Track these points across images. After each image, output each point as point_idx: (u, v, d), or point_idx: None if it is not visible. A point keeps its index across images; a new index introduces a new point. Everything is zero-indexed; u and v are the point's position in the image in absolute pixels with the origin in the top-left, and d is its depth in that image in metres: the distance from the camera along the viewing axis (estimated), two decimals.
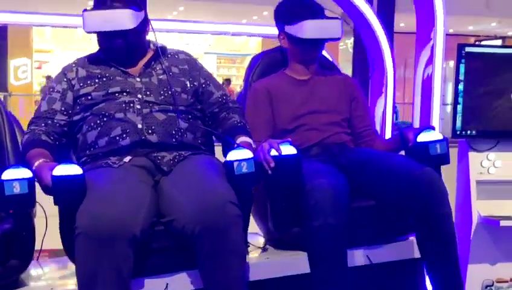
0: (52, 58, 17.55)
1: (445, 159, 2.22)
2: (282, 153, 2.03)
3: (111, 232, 1.72)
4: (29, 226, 1.92)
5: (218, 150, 2.36)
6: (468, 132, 2.76)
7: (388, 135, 2.99)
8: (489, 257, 2.79)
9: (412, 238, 2.35)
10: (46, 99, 2.21)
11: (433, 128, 2.27)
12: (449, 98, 8.30)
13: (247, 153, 1.96)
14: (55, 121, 2.16)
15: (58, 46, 17.50)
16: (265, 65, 2.67)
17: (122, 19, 2.11)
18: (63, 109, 2.18)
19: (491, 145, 2.80)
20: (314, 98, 2.50)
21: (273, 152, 2.04)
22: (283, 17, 2.50)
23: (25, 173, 1.79)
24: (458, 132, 2.75)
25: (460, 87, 2.71)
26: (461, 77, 2.71)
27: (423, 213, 2.13)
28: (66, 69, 2.27)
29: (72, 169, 1.79)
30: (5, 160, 2.11)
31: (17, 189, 1.75)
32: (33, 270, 2.14)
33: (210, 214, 1.80)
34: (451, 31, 14.40)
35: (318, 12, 2.44)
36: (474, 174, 2.79)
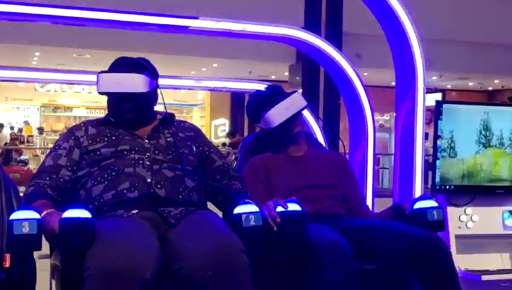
0: None
1: (442, 225, 2.33)
2: (288, 209, 2.07)
3: (123, 273, 1.69)
4: (32, 271, 1.92)
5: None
6: (447, 186, 2.80)
7: (369, 187, 3.00)
8: None
9: None
10: (52, 155, 2.21)
11: (429, 198, 2.37)
12: (392, 149, 8.51)
13: (254, 207, 1.99)
14: (60, 176, 2.15)
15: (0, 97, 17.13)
16: (259, 143, 2.76)
17: (135, 82, 2.18)
18: (68, 164, 2.18)
19: (468, 200, 2.85)
20: (310, 174, 2.57)
21: (279, 208, 2.07)
22: (252, 115, 2.65)
23: (34, 214, 1.79)
24: (437, 187, 2.79)
25: (439, 142, 2.77)
26: (440, 133, 2.76)
27: (430, 275, 2.18)
28: (74, 128, 2.30)
29: (81, 213, 1.79)
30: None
31: (26, 229, 1.74)
32: None
33: (222, 259, 1.79)
34: (392, 84, 14.94)
35: (277, 97, 2.55)
36: (453, 229, 2.84)
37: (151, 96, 2.27)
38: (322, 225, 2.27)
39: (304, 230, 2.08)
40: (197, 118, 18.17)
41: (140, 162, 2.14)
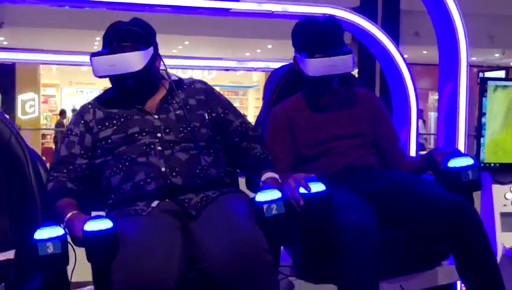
0: (57, 92, 17.73)
1: (477, 185, 2.17)
2: (311, 191, 2.00)
3: (148, 286, 1.72)
4: (64, 280, 1.92)
5: (241, 181, 2.34)
6: (492, 164, 2.77)
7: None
8: None
9: (444, 264, 2.33)
10: (65, 142, 2.19)
11: (463, 154, 2.23)
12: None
13: (275, 194, 1.93)
14: (77, 165, 2.15)
15: (64, 81, 17.67)
16: (286, 82, 2.61)
17: (130, 62, 2.08)
18: (82, 152, 2.16)
19: None
20: (336, 123, 2.42)
21: (302, 190, 2.01)
22: (295, 42, 2.42)
23: (57, 231, 1.78)
24: (482, 165, 2.76)
25: (484, 120, 2.74)
26: (484, 110, 2.73)
27: (461, 243, 2.10)
28: (83, 110, 2.24)
29: (103, 224, 1.79)
30: (32, 200, 2.11)
31: (50, 249, 1.75)
32: None
33: (245, 263, 1.79)
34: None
35: (328, 46, 2.32)
36: (498, 207, 2.80)
37: (149, 65, 2.14)
38: (348, 194, 2.19)
39: (328, 212, 2.03)
40: (252, 100, 18.26)
41: (152, 147, 2.09)
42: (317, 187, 2.01)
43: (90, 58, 2.10)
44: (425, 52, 12.27)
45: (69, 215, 1.93)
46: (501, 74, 14.23)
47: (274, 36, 11.89)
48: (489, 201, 2.82)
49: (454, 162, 2.18)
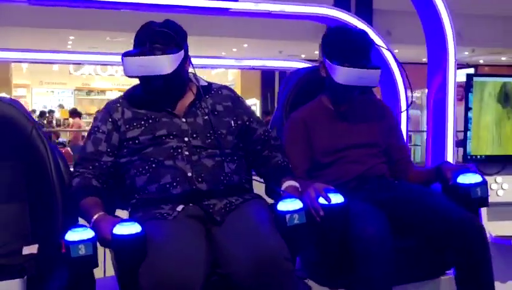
0: (28, 93, 17.55)
1: (485, 202, 2.27)
2: (331, 202, 2.06)
3: None
4: (91, 282, 1.96)
5: (260, 186, 2.37)
6: (478, 156, 2.91)
7: None
8: (500, 275, 2.90)
9: (447, 275, 2.43)
10: (92, 139, 2.21)
11: (471, 170, 2.30)
12: (424, 126, 8.54)
13: (297, 204, 1.98)
14: (102, 162, 2.17)
15: (34, 81, 17.50)
16: (303, 86, 2.67)
17: (161, 64, 2.11)
18: (108, 150, 2.19)
19: (499, 169, 2.95)
20: (352, 132, 2.47)
21: (322, 200, 2.07)
22: (326, 48, 2.45)
23: (89, 233, 1.81)
24: (469, 157, 2.90)
25: (470, 114, 2.87)
26: (470, 105, 2.87)
27: (464, 258, 2.19)
28: (111, 108, 2.25)
29: (133, 228, 1.82)
30: (53, 194, 2.13)
31: (82, 251, 1.78)
32: None
33: (268, 271, 1.84)
34: (424, 60, 14.85)
35: (360, 58, 2.38)
36: None
37: (180, 68, 2.16)
38: (362, 204, 2.23)
39: (345, 223, 2.09)
40: None
41: (179, 151, 2.13)
42: (336, 199, 2.07)
43: (122, 58, 2.13)
44: (396, 50, 12.49)
45: (96, 216, 1.96)
46: (470, 71, 14.57)
47: (250, 35, 12.02)
48: None
49: (464, 179, 2.26)
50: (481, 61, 16.25)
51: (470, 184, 2.25)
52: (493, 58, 16.04)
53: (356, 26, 2.85)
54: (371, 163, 2.46)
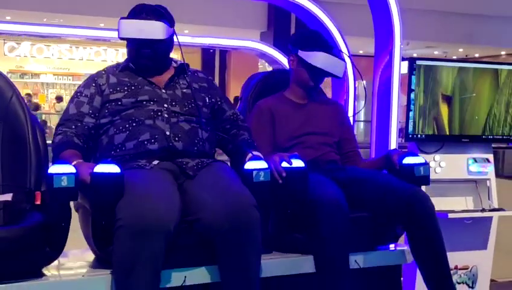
0: None
1: (427, 180, 2.57)
2: (293, 165, 2.25)
3: (151, 226, 1.87)
4: (68, 216, 2.05)
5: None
6: (418, 135, 3.09)
7: None
8: None
9: (397, 247, 2.65)
10: (74, 102, 2.34)
11: (416, 154, 2.61)
12: (362, 116, 8.83)
13: (263, 164, 2.18)
14: (84, 123, 2.30)
15: None
16: (263, 86, 2.94)
17: (155, 29, 2.29)
18: (90, 112, 2.32)
19: (437, 147, 3.15)
20: (310, 121, 2.75)
21: (284, 164, 2.26)
22: (300, 42, 2.73)
23: (71, 168, 1.93)
24: (410, 136, 3.08)
25: (412, 96, 3.05)
26: (413, 87, 3.04)
27: (416, 225, 2.43)
28: (95, 75, 2.42)
29: (112, 168, 1.95)
30: (27, 161, 2.21)
31: (64, 183, 1.89)
32: (63, 259, 2.24)
33: (237, 216, 1.99)
34: (361, 52, 15.20)
35: (331, 49, 2.72)
36: None
37: (168, 43, 2.38)
38: (321, 176, 2.47)
39: (305, 185, 2.28)
40: None
41: (159, 114, 2.28)
42: (297, 163, 2.28)
43: (119, 21, 2.30)
44: None
45: (75, 162, 2.06)
46: (404, 64, 15.03)
47: (191, 21, 12.00)
48: None
49: (409, 160, 2.57)
50: (415, 55, 16.80)
51: (414, 164, 2.55)
52: (426, 52, 16.62)
53: (313, 11, 3.18)
54: (325, 150, 2.73)
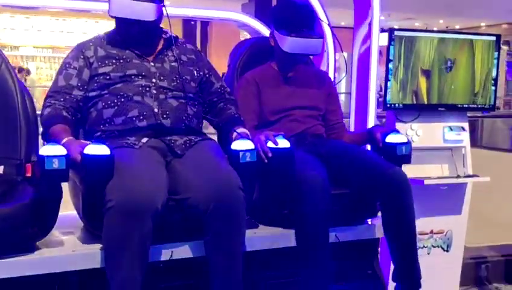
0: None
1: (408, 159, 2.60)
2: (279, 146, 2.29)
3: (140, 206, 1.92)
4: (59, 196, 2.07)
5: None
6: (396, 104, 3.17)
7: None
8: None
9: (374, 222, 2.70)
10: (63, 74, 2.34)
11: (398, 132, 2.64)
12: (342, 88, 8.91)
13: (250, 144, 2.21)
14: (73, 96, 2.31)
15: None
16: (252, 54, 2.92)
17: (146, 10, 2.28)
18: (79, 84, 2.32)
19: (414, 116, 3.23)
20: (297, 94, 2.77)
21: (270, 144, 2.29)
22: (275, 21, 2.74)
23: (62, 150, 1.94)
24: (388, 105, 3.15)
25: (390, 66, 3.12)
26: (391, 57, 3.11)
27: (392, 203, 2.49)
28: (82, 46, 2.39)
29: (102, 149, 1.97)
30: (17, 129, 2.24)
31: (55, 165, 1.91)
32: (54, 236, 2.25)
33: (223, 196, 2.05)
34: (343, 23, 15.23)
35: (305, 28, 2.65)
36: None
37: (158, 19, 2.37)
38: (305, 153, 2.51)
39: (291, 165, 2.33)
40: None
41: (147, 89, 2.30)
42: (283, 143, 2.31)
43: None
44: None
45: (65, 139, 2.09)
46: (384, 35, 15.09)
47: None
48: None
49: (391, 138, 2.58)
50: (396, 26, 16.83)
51: (397, 143, 2.58)
52: (407, 24, 16.71)
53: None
54: (310, 123, 2.77)
